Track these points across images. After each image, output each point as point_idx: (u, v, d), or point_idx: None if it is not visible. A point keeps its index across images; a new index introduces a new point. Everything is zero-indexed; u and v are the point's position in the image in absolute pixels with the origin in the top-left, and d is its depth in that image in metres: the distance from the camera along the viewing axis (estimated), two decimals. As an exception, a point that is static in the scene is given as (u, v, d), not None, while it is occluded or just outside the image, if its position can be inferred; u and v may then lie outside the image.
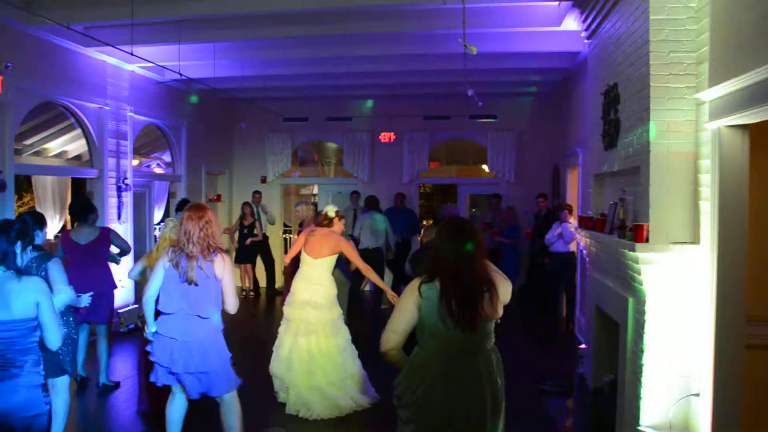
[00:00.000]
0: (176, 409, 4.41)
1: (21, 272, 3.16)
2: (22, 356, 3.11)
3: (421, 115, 11.81)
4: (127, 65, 8.82)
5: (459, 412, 2.89)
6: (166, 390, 4.46)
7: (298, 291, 5.72)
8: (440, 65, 8.87)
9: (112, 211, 8.54)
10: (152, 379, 4.33)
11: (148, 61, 7.50)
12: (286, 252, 8.72)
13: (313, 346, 5.57)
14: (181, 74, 7.84)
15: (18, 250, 3.21)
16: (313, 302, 5.62)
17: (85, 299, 4.38)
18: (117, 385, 6.30)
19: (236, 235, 11.51)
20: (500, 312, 2.99)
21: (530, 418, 5.64)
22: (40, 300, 3.12)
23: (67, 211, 6.45)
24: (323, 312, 5.65)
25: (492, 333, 3.04)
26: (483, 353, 2.98)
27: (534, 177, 11.44)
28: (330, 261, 5.78)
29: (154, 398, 5.42)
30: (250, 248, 11.29)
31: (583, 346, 6.88)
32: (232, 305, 4.24)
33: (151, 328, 4.25)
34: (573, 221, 8.35)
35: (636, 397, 4.56)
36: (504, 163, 11.93)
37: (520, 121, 11.89)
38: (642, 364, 4.48)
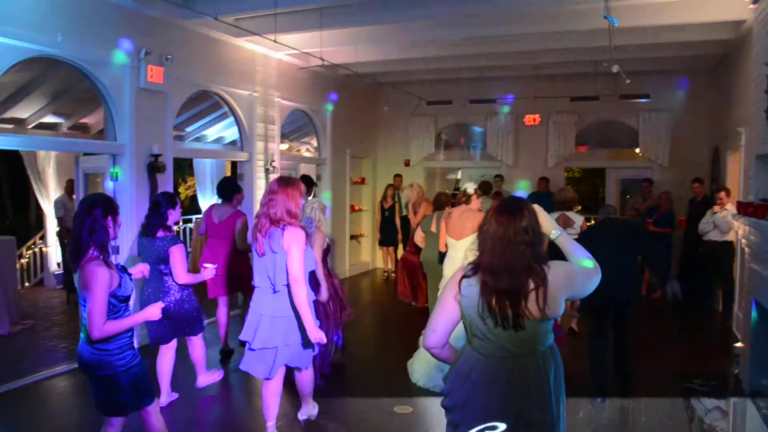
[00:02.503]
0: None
1: (98, 258, 3.32)
2: None
3: (567, 95, 11.29)
4: (274, 53, 9.21)
5: (505, 420, 2.49)
6: None
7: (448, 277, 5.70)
8: (586, 42, 8.42)
9: (260, 192, 9.00)
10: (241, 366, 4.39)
11: (292, 48, 7.77)
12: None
13: None
14: (323, 59, 8.06)
15: (111, 225, 3.37)
16: None
17: (209, 272, 4.68)
18: (232, 351, 6.71)
19: (378, 218, 11.76)
20: (557, 311, 2.50)
21: (672, 417, 5.27)
22: (90, 284, 3.24)
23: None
24: None
25: (548, 333, 2.58)
26: (534, 356, 2.55)
27: (689, 160, 10.62)
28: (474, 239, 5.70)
29: None
30: (391, 231, 11.46)
31: (739, 344, 6.29)
32: (291, 275, 4.02)
33: None
34: (730, 207, 7.63)
35: (797, 403, 4.10)
36: (657, 146, 11.15)
37: (675, 100, 11.01)
38: (805, 367, 4.01)
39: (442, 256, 6.18)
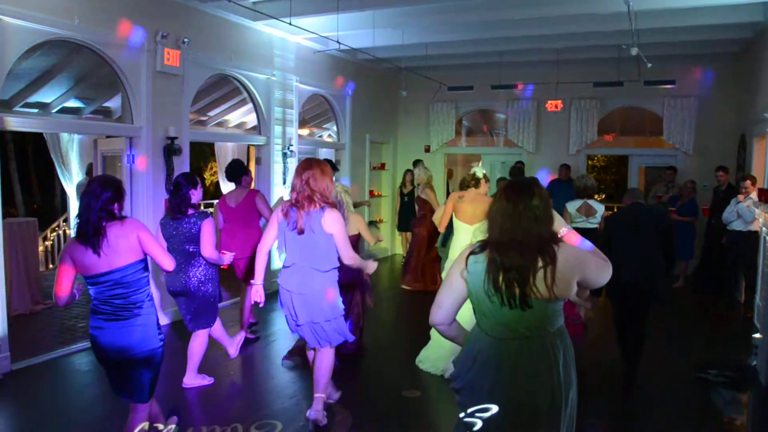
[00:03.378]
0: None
1: (122, 217, 3.42)
2: (141, 296, 3.43)
3: (590, 81, 11.09)
4: (293, 37, 9.17)
5: (511, 402, 2.47)
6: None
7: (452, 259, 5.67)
8: (609, 26, 8.25)
9: (277, 176, 9.03)
10: (292, 331, 4.53)
11: (309, 32, 7.73)
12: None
13: None
14: (339, 43, 8.01)
15: (117, 210, 3.42)
16: None
17: (228, 257, 4.68)
18: (256, 339, 6.69)
19: (397, 203, 11.73)
20: (566, 292, 2.47)
21: (685, 406, 5.21)
22: (140, 234, 3.39)
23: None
24: None
25: (557, 314, 2.54)
26: (542, 337, 2.50)
27: (715, 148, 10.42)
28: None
29: (297, 351, 5.75)
30: (408, 216, 11.41)
31: (758, 335, 6.15)
32: (346, 258, 4.25)
33: (257, 280, 4.36)
34: (755, 195, 7.44)
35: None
36: (682, 133, 10.95)
37: (701, 86, 10.78)
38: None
39: (444, 238, 6.12)
